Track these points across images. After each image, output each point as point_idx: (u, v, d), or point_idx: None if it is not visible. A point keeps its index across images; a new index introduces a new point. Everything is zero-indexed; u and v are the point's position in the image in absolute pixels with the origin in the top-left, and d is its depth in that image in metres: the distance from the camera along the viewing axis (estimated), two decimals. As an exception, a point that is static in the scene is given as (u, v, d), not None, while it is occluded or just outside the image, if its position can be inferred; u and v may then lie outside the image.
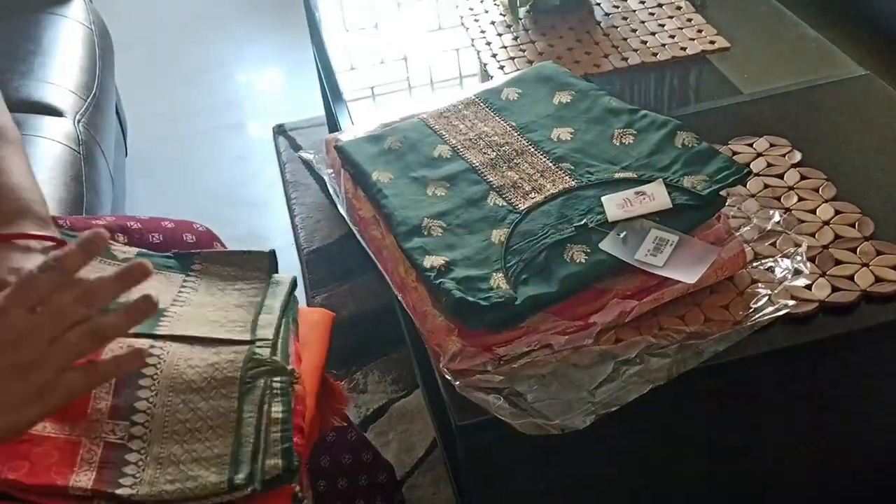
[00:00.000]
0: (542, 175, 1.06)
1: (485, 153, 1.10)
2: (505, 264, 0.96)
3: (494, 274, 0.95)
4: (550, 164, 1.07)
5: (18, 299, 0.69)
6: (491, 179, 1.07)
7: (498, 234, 1.00)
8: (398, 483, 1.30)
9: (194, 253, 1.01)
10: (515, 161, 1.09)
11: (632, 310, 0.95)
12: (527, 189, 1.05)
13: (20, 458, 0.77)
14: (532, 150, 1.10)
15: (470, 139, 1.13)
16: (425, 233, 1.01)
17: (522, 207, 1.02)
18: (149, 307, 0.71)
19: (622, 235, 0.97)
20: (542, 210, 1.02)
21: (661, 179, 1.02)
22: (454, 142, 1.13)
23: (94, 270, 0.93)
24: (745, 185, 1.13)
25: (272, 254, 1.02)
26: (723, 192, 1.01)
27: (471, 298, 0.92)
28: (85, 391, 0.72)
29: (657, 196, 1.00)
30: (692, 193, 1.00)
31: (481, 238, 1.00)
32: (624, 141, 1.09)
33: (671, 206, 0.99)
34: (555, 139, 1.11)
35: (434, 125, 1.16)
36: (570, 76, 1.21)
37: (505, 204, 1.04)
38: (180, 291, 0.95)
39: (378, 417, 1.64)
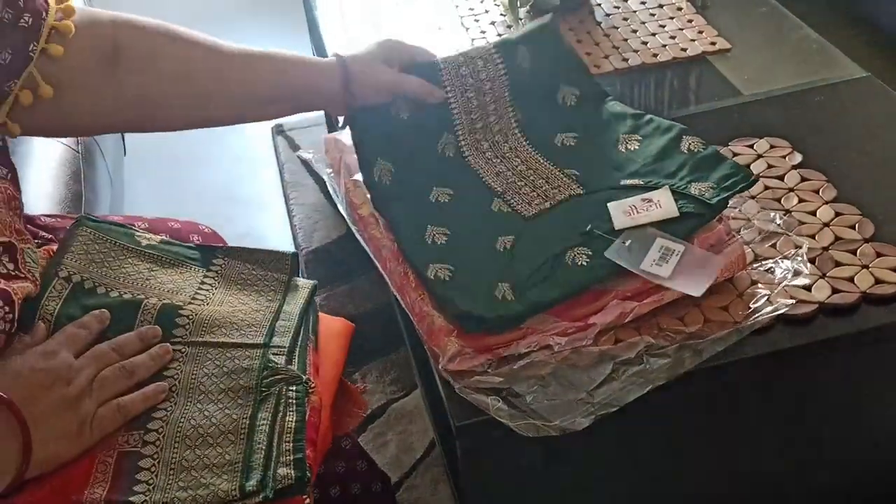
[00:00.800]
0: (547, 181, 1.05)
1: (489, 159, 1.09)
2: (510, 274, 0.96)
3: (500, 283, 0.94)
4: (556, 171, 1.07)
5: (66, 343, 0.83)
6: (495, 186, 1.06)
7: (503, 241, 0.99)
8: (393, 493, 1.30)
9: (217, 247, 1.01)
10: (519, 168, 1.08)
11: (631, 311, 0.95)
12: (532, 196, 1.04)
13: (38, 480, 0.77)
14: (537, 156, 1.09)
15: (476, 129, 1.09)
16: (429, 241, 1.00)
17: (529, 214, 1.02)
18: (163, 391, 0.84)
19: (627, 244, 0.96)
20: (549, 217, 1.01)
21: (667, 186, 1.01)
22: (459, 130, 1.09)
23: (118, 259, 0.93)
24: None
25: (294, 257, 1.02)
26: None
27: (475, 313, 0.91)
28: (117, 426, 0.82)
29: (663, 204, 0.99)
30: (699, 201, 0.99)
31: (486, 245, 0.99)
32: (629, 147, 1.08)
33: (678, 213, 0.98)
34: (559, 144, 1.10)
35: (445, 82, 1.09)
36: (573, 64, 1.16)
37: (510, 210, 1.03)
38: (199, 288, 0.94)
39: (377, 418, 1.64)
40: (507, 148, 1.10)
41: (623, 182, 1.03)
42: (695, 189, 1.00)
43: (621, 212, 1.00)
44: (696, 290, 0.94)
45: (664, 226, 0.98)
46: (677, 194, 1.00)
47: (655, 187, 1.02)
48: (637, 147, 1.08)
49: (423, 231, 1.01)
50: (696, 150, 1.05)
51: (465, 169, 1.08)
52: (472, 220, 1.03)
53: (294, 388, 0.87)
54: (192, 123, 1.03)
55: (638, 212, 0.99)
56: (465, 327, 0.92)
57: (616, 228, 0.99)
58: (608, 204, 1.01)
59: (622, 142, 1.09)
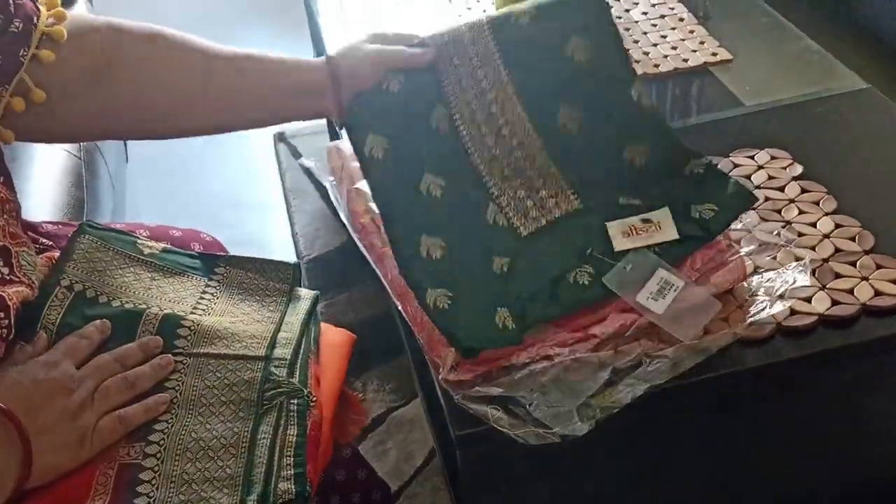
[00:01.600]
0: (544, 184, 1.02)
1: (483, 135, 1.01)
2: (509, 298, 0.95)
3: (500, 310, 0.94)
4: (554, 170, 1.02)
5: (67, 354, 0.82)
6: (489, 184, 1.01)
7: (500, 262, 0.97)
8: (392, 502, 1.30)
9: (219, 255, 1.01)
10: (516, 155, 1.02)
11: (632, 323, 0.95)
12: (528, 205, 1.01)
13: (38, 491, 0.77)
14: (536, 139, 1.02)
15: (468, 101, 1.02)
16: (425, 255, 0.96)
17: (525, 233, 1.00)
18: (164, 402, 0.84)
19: (628, 268, 0.96)
20: (546, 237, 0.99)
21: (667, 208, 1.00)
22: (452, 100, 1.01)
23: (120, 268, 0.93)
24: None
25: (296, 267, 1.01)
26: None
27: (478, 347, 0.91)
28: (117, 437, 0.81)
29: (663, 226, 0.98)
30: (699, 224, 0.99)
31: (483, 265, 0.97)
32: (634, 161, 1.03)
33: (678, 237, 0.98)
34: (560, 127, 1.02)
35: (435, 61, 1.02)
36: (596, 15, 1.04)
37: (506, 224, 1.00)
38: (201, 298, 0.94)
39: (377, 426, 1.64)
40: (503, 122, 1.02)
41: (622, 201, 1.02)
42: (695, 212, 0.99)
43: (620, 233, 0.99)
44: (686, 335, 0.94)
45: (663, 248, 0.98)
46: (677, 215, 0.99)
47: (654, 207, 1.00)
48: (642, 162, 1.03)
49: (417, 243, 0.96)
50: (700, 173, 1.02)
51: (459, 151, 1.01)
52: (468, 231, 0.98)
53: (295, 401, 0.86)
54: (184, 130, 1.01)
55: (637, 233, 0.99)
56: (466, 356, 0.92)
57: (616, 251, 0.98)
58: (607, 224, 0.99)
59: (628, 151, 1.03)
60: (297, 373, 0.90)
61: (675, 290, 0.95)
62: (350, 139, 0.98)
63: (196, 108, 0.98)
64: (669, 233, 0.98)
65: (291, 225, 2.15)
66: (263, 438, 0.82)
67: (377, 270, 1.07)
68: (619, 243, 0.98)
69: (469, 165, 1.01)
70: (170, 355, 0.86)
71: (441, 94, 1.01)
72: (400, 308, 1.01)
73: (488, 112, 1.02)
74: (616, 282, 0.95)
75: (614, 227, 0.99)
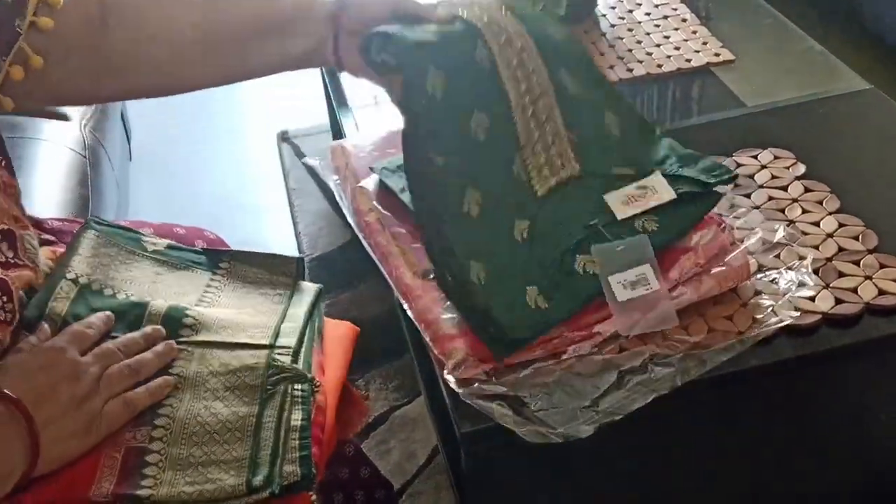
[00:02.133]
0: (553, 142, 1.02)
1: (518, 82, 1.01)
2: (534, 274, 0.95)
3: (528, 288, 0.94)
4: (562, 130, 1.02)
5: (72, 342, 0.83)
6: (520, 132, 1.00)
7: (520, 228, 0.98)
8: (395, 500, 1.30)
9: (223, 250, 1.02)
10: (540, 103, 1.01)
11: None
12: (541, 161, 1.01)
13: (45, 478, 0.78)
14: (549, 86, 1.02)
15: (501, 44, 1.00)
16: (466, 211, 0.95)
17: (540, 192, 1.00)
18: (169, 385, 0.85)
19: (620, 248, 0.97)
20: (557, 200, 1.00)
21: (658, 172, 1.01)
22: (491, 42, 0.99)
23: (125, 262, 0.94)
24: (748, 196, 1.13)
25: (300, 261, 1.02)
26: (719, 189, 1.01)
27: (520, 336, 0.92)
28: (124, 421, 0.82)
29: (659, 189, 0.99)
30: (694, 181, 0.99)
31: (507, 232, 0.97)
32: (611, 130, 1.05)
33: (675, 196, 0.99)
34: (561, 83, 1.03)
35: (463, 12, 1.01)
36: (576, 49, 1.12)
37: (525, 179, 0.99)
38: (205, 291, 0.95)
39: (379, 425, 1.65)
40: (532, 68, 1.01)
41: (615, 170, 1.02)
42: (686, 172, 1.01)
43: (619, 202, 1.00)
44: (626, 329, 0.94)
45: (668, 211, 0.98)
46: (669, 177, 1.00)
47: (647, 174, 1.02)
48: (618, 133, 1.05)
49: (461, 197, 0.95)
50: (676, 148, 1.05)
51: (498, 90, 1.00)
52: (498, 185, 0.98)
53: (300, 386, 0.87)
54: (185, 83, 0.98)
55: (636, 200, 1.00)
56: (498, 351, 0.92)
57: (619, 219, 0.99)
58: (605, 196, 1.00)
59: (605, 117, 1.05)
60: (301, 360, 0.90)
61: (647, 290, 0.95)
62: (407, 76, 0.95)
63: (196, 56, 0.96)
64: (666, 194, 0.99)
65: (295, 224, 2.16)
66: (268, 422, 0.83)
67: (381, 269, 1.07)
68: (621, 211, 0.99)
69: (506, 106, 1.00)
70: (172, 342, 0.87)
71: (480, 33, 0.99)
72: (405, 306, 1.02)
73: (519, 58, 1.01)
74: (602, 253, 0.96)
75: (613, 198, 1.00)
